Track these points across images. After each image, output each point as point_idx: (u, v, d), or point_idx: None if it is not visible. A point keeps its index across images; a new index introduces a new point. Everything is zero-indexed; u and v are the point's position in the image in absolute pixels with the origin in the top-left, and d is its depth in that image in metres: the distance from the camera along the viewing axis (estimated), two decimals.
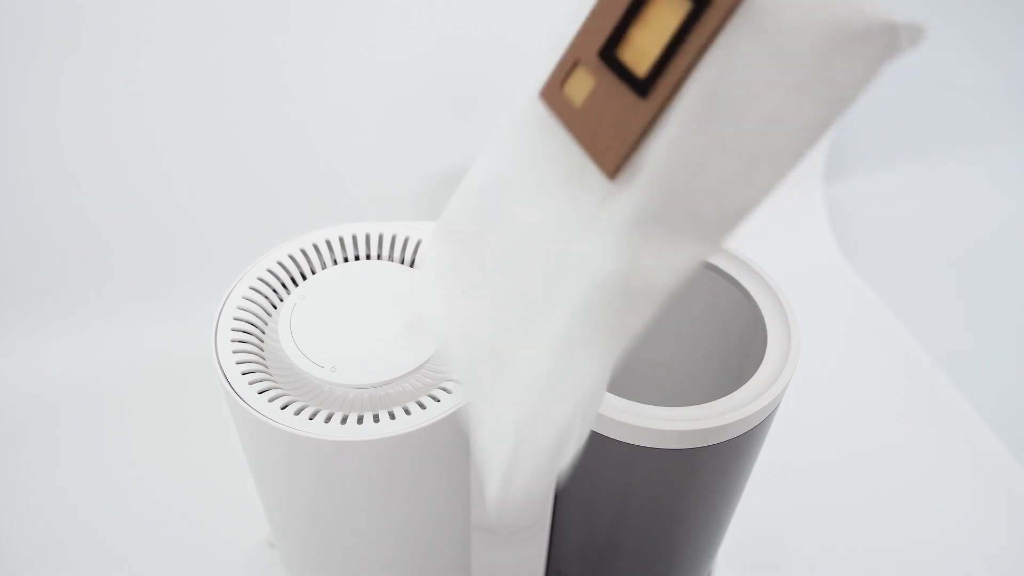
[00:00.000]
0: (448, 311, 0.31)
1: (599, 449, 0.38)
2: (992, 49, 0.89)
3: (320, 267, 0.43)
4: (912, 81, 0.90)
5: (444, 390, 0.37)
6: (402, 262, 0.44)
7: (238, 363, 0.37)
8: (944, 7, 0.85)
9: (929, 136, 0.92)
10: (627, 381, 0.45)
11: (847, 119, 0.83)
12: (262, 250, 0.43)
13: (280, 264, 0.42)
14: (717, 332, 0.48)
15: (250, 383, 0.37)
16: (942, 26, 0.87)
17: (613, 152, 0.23)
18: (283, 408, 0.36)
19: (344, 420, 0.35)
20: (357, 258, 0.44)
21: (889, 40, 0.20)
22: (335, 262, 0.43)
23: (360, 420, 0.35)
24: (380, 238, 0.44)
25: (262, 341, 0.40)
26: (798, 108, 0.20)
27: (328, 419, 0.35)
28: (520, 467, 0.27)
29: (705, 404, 0.38)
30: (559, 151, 0.27)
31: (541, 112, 0.27)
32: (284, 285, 0.42)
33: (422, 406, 0.36)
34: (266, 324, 0.41)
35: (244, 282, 0.41)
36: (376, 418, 0.35)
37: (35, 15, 0.57)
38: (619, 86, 0.23)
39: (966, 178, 0.91)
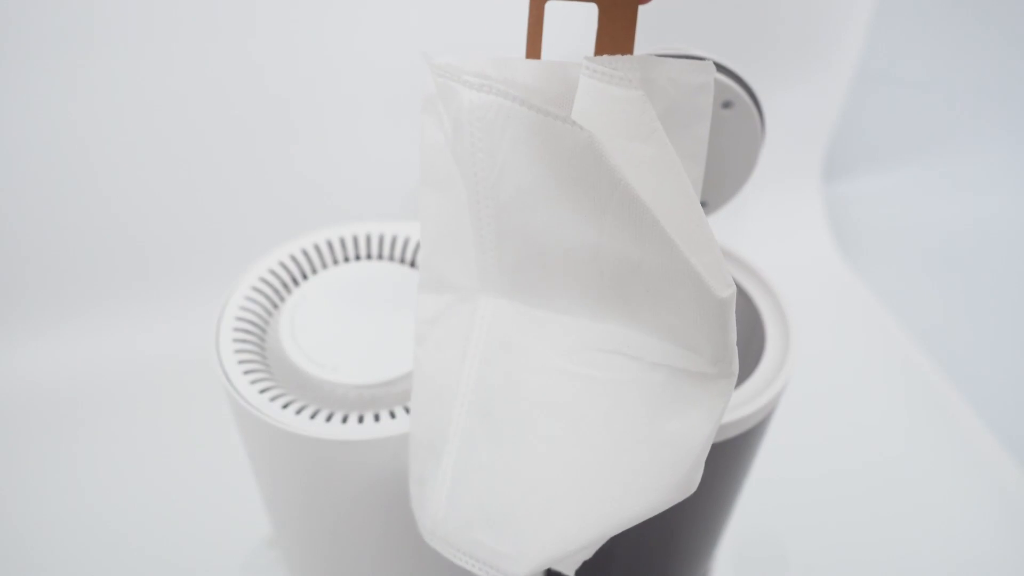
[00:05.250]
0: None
1: None
2: (991, 49, 0.89)
3: (320, 267, 0.43)
4: (912, 81, 0.90)
5: None
6: (402, 262, 0.44)
7: (239, 363, 0.38)
8: (943, 7, 0.85)
9: (929, 136, 0.92)
10: None
11: (847, 119, 0.83)
12: (263, 251, 0.43)
13: (281, 264, 0.42)
14: None
15: (251, 382, 0.37)
16: (941, 26, 0.87)
17: None
18: (284, 407, 0.36)
19: (344, 420, 0.35)
20: (357, 258, 0.44)
21: None
22: (335, 262, 0.44)
23: (360, 420, 0.35)
24: (380, 238, 0.44)
25: (263, 341, 0.40)
26: None
27: (328, 419, 0.35)
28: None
29: None
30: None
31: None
32: (285, 285, 0.42)
33: None
34: (267, 324, 0.41)
35: (245, 282, 0.41)
36: (376, 418, 0.36)
37: (34, 17, 0.57)
38: None
39: (966, 178, 0.91)
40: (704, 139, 0.27)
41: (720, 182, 0.44)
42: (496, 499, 0.29)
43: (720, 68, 0.38)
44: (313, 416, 0.36)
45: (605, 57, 0.24)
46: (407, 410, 0.36)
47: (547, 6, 0.27)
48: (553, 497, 0.28)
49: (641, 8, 0.26)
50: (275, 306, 0.42)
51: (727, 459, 0.40)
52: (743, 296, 0.44)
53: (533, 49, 0.27)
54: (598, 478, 0.28)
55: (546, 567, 0.29)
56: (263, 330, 0.40)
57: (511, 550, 0.29)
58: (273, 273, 0.42)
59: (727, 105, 0.39)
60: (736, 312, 0.45)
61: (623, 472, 0.27)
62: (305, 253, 0.43)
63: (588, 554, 0.29)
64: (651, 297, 0.26)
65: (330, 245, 0.43)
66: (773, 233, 0.80)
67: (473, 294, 0.30)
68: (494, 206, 0.27)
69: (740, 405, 0.38)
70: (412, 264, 0.44)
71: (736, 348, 0.25)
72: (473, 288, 0.30)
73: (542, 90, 0.26)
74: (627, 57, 0.25)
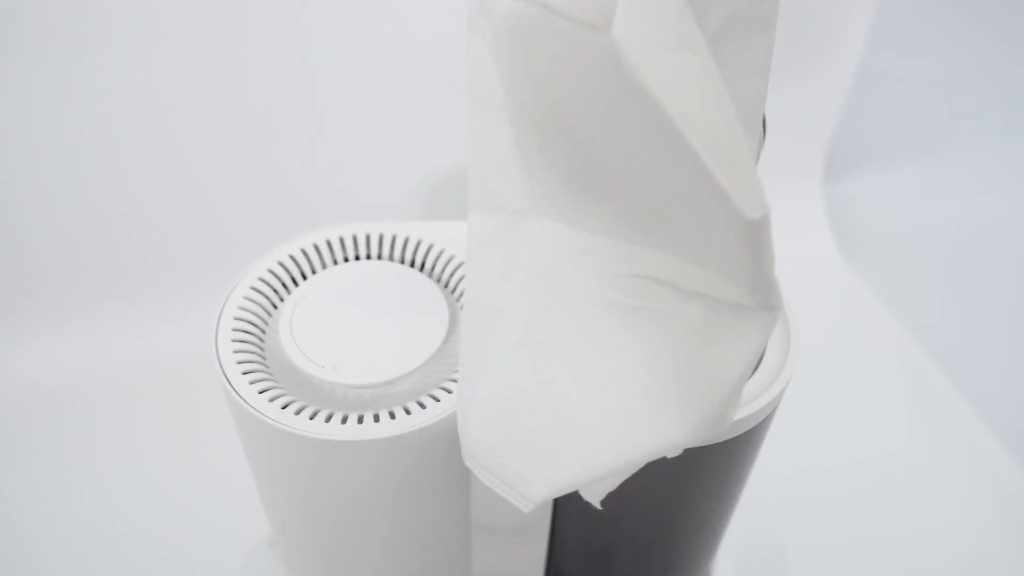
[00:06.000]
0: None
1: None
2: (991, 49, 0.89)
3: (320, 267, 0.43)
4: (912, 81, 0.90)
5: (444, 390, 0.37)
6: (402, 262, 0.44)
7: (239, 363, 0.37)
8: (943, 7, 0.85)
9: (929, 136, 0.92)
10: None
11: (847, 119, 0.83)
12: (262, 250, 0.43)
13: (280, 264, 0.42)
14: None
15: (251, 383, 0.37)
16: (942, 26, 0.87)
17: None
18: (283, 408, 0.36)
19: (344, 420, 0.35)
20: (357, 258, 0.44)
21: None
22: (335, 262, 0.43)
23: (360, 420, 0.35)
24: (380, 238, 0.44)
25: (263, 341, 0.40)
26: None
27: (328, 419, 0.35)
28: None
29: None
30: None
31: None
32: (284, 285, 0.42)
33: (422, 406, 0.36)
34: (266, 324, 0.41)
35: (245, 282, 0.41)
36: (376, 418, 0.36)
37: (35, 12, 0.57)
38: None
39: (966, 178, 0.91)
40: (769, 49, 0.25)
41: None
42: (527, 423, 0.29)
43: None
44: (313, 416, 0.36)
45: None
46: (407, 411, 0.36)
47: None
48: (580, 424, 0.28)
49: None
50: (275, 306, 0.42)
51: (728, 459, 0.40)
52: None
53: None
54: (627, 408, 0.27)
55: (563, 492, 0.29)
56: (263, 330, 0.40)
57: (533, 474, 0.29)
58: (273, 273, 0.42)
59: None
60: None
61: (653, 403, 0.27)
62: (305, 253, 0.43)
63: (612, 485, 0.29)
64: (686, 220, 0.24)
65: (330, 245, 0.43)
66: (774, 232, 0.80)
67: (523, 216, 0.30)
68: (533, 124, 0.26)
69: (740, 406, 0.38)
70: (412, 264, 0.44)
71: (775, 278, 0.23)
72: (523, 210, 0.30)
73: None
74: None
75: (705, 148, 0.22)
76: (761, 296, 0.24)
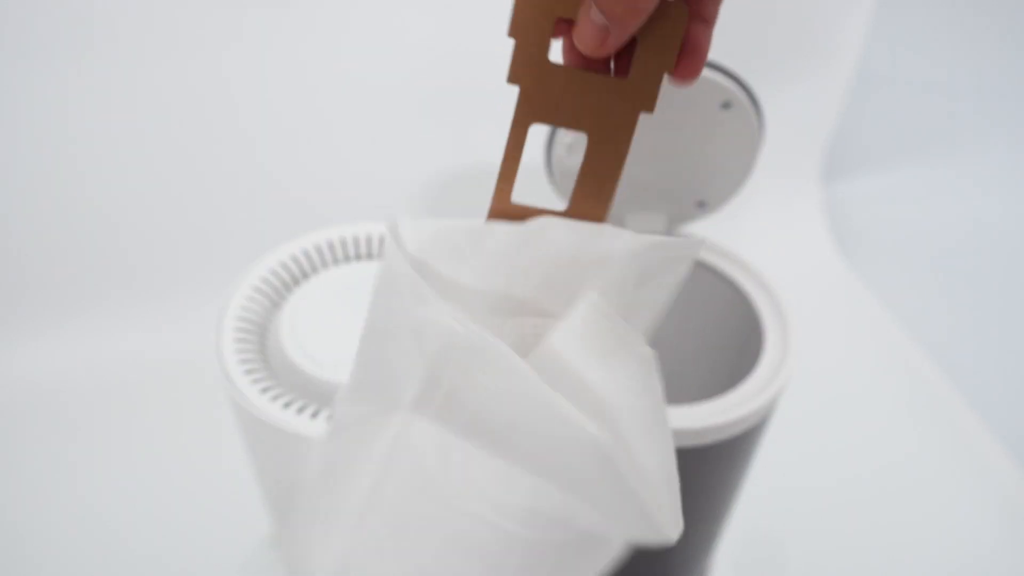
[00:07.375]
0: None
1: None
2: (991, 49, 0.89)
3: (320, 267, 0.43)
4: (912, 81, 0.90)
5: None
6: None
7: (240, 362, 0.38)
8: (943, 7, 0.85)
9: (928, 136, 0.92)
10: None
11: (847, 119, 0.83)
12: (263, 250, 0.43)
13: (281, 264, 0.42)
14: (714, 332, 0.48)
15: (252, 382, 0.37)
16: (941, 26, 0.87)
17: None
18: (284, 407, 0.36)
19: None
20: (357, 258, 0.44)
21: None
22: (335, 262, 0.44)
23: None
24: (380, 238, 0.44)
25: (264, 341, 0.40)
26: None
27: (329, 418, 0.36)
28: None
29: (701, 403, 0.38)
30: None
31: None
32: (285, 285, 0.42)
33: None
34: (268, 324, 0.41)
35: (246, 282, 0.41)
36: None
37: (35, 17, 0.57)
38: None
39: (966, 179, 0.91)
40: (669, 287, 0.27)
41: (719, 182, 0.44)
42: None
43: (719, 68, 0.38)
44: (313, 416, 0.36)
45: (585, 239, 0.25)
46: None
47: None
48: None
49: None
50: (276, 306, 0.42)
51: (725, 459, 0.40)
52: (743, 296, 0.44)
53: (508, 172, 0.26)
54: None
55: None
56: (264, 330, 0.41)
57: None
58: (274, 273, 0.42)
59: (726, 106, 0.39)
60: (736, 312, 0.45)
61: None
62: (305, 253, 0.43)
63: None
64: (598, 495, 0.25)
65: (330, 245, 0.44)
66: (773, 233, 0.80)
67: (395, 409, 0.27)
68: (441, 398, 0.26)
69: (738, 405, 0.38)
70: None
71: (680, 517, 0.25)
72: (399, 403, 0.27)
73: (506, 291, 0.25)
74: (614, 234, 0.25)
75: (635, 472, 0.23)
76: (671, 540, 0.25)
